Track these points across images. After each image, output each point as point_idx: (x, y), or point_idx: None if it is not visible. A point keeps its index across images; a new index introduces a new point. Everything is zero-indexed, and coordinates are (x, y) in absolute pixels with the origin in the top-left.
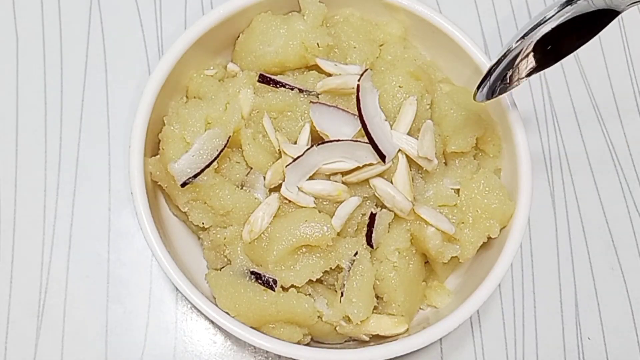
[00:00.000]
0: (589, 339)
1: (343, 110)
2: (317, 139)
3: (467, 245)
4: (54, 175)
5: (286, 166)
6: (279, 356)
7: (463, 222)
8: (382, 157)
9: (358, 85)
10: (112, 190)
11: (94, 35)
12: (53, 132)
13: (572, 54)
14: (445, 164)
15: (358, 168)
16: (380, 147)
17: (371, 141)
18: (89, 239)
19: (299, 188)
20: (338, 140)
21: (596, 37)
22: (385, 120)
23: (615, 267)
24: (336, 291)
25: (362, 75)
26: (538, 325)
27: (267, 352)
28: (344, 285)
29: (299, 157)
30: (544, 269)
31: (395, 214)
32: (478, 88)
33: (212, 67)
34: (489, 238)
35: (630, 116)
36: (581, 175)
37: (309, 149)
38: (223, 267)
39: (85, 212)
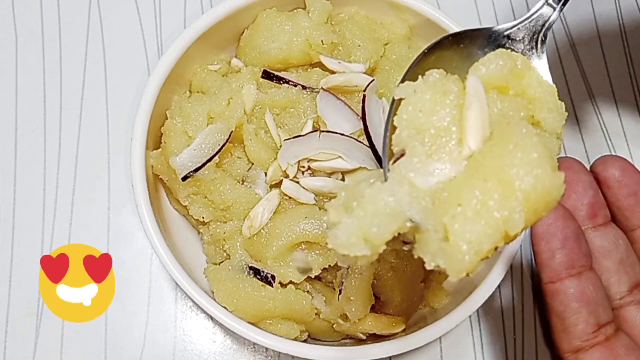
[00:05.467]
0: None
1: (349, 107)
2: None
3: (458, 251)
4: (53, 174)
5: (285, 140)
6: (279, 355)
7: (460, 205)
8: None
9: (364, 96)
10: (112, 189)
11: (93, 34)
12: (52, 131)
13: (572, 55)
14: None
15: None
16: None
17: (375, 152)
18: (88, 237)
19: (299, 185)
20: (342, 135)
21: (596, 37)
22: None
23: None
24: (334, 289)
25: (368, 85)
26: (538, 325)
27: (266, 350)
28: (342, 283)
29: (300, 135)
30: None
31: None
32: None
33: (216, 62)
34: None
35: (630, 115)
36: None
37: (312, 132)
38: (222, 262)
39: (85, 210)
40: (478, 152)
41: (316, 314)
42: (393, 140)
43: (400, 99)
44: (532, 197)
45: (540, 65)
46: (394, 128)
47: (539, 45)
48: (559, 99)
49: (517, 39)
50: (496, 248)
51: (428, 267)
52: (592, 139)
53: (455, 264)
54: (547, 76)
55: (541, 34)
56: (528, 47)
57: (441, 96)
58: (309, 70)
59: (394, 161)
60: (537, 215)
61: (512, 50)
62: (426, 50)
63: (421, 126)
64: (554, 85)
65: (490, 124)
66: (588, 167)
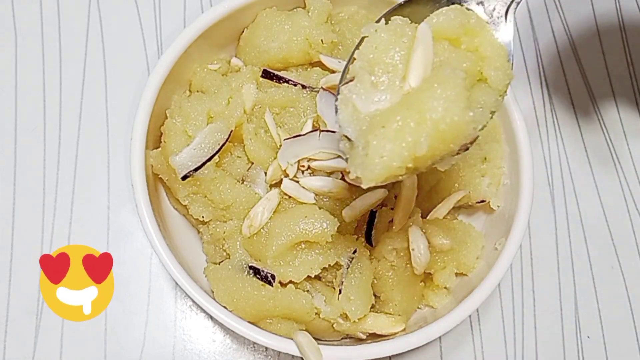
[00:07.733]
0: (588, 337)
1: None
2: None
3: (372, 164)
4: (53, 174)
5: (284, 139)
6: (278, 354)
7: (384, 127)
8: None
9: None
10: (111, 189)
11: (93, 34)
12: (52, 131)
13: (572, 55)
14: None
15: None
16: None
17: None
18: (88, 237)
19: (299, 184)
20: None
21: (596, 37)
22: None
23: (615, 266)
24: (334, 288)
25: None
26: (537, 324)
27: (266, 349)
28: (342, 282)
29: (300, 135)
30: (544, 268)
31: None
32: None
33: (215, 62)
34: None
35: (630, 115)
36: (581, 175)
37: (312, 131)
38: (222, 262)
39: (84, 210)
40: (416, 89)
41: (316, 313)
42: (349, 69)
43: (364, 37)
44: (440, 126)
45: (506, 29)
46: (354, 60)
47: (508, 13)
48: (508, 61)
49: (489, 6)
50: (410, 170)
51: (351, 177)
52: (592, 139)
53: (368, 173)
54: (507, 39)
55: (510, 5)
56: (497, 13)
57: (396, 37)
58: (308, 69)
59: (344, 84)
60: (445, 144)
61: (469, 9)
62: (402, 2)
63: (374, 60)
64: (504, 47)
65: (433, 68)
66: (589, 168)
